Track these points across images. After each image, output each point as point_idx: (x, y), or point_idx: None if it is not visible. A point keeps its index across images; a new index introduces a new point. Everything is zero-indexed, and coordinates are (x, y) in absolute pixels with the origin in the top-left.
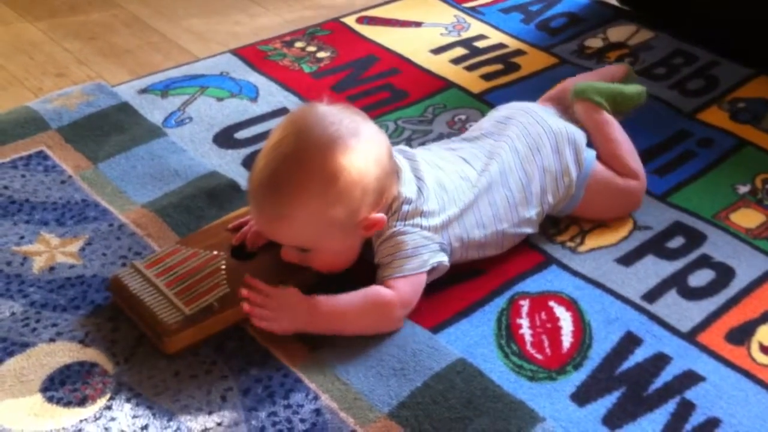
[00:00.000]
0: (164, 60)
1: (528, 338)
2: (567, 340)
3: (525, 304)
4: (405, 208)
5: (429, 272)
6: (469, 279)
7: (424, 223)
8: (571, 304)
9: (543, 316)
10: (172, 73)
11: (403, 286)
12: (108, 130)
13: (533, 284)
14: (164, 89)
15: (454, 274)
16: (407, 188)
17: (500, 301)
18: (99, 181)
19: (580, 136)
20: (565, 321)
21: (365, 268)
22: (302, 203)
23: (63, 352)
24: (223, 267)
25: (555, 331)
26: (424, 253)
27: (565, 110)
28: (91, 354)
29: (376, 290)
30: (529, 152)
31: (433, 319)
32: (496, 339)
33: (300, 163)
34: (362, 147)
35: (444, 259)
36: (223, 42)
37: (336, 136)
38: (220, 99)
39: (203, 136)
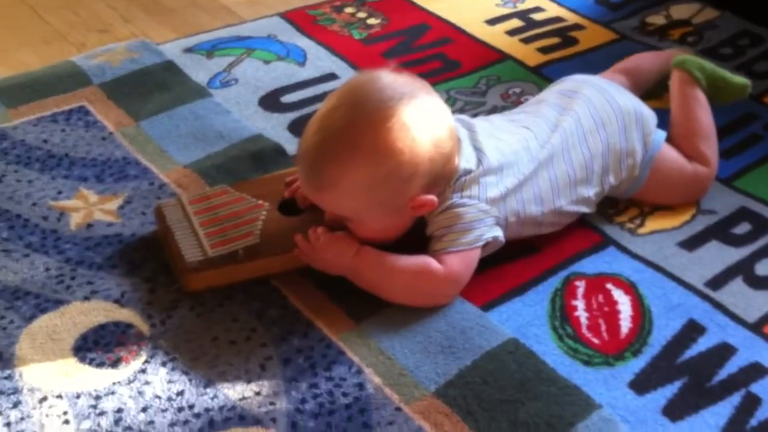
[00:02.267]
0: (210, 21)
1: (584, 321)
2: (625, 324)
3: (581, 286)
4: (462, 179)
5: (482, 247)
6: (522, 257)
7: (481, 194)
8: (630, 288)
9: (600, 298)
10: (218, 33)
11: (455, 262)
12: (151, 87)
13: (590, 265)
14: (210, 49)
15: (506, 251)
16: (466, 160)
17: (555, 281)
18: (140, 139)
19: (649, 116)
20: (624, 305)
21: (417, 241)
22: (346, 179)
23: (97, 311)
24: (263, 218)
25: (613, 315)
26: (479, 227)
27: (636, 84)
28: (126, 314)
29: (426, 261)
30: (594, 128)
31: (483, 297)
32: (550, 320)
33: (349, 137)
34: (420, 126)
35: (499, 233)
36: (271, 6)
37: (392, 112)
38: (267, 62)
39: (249, 99)
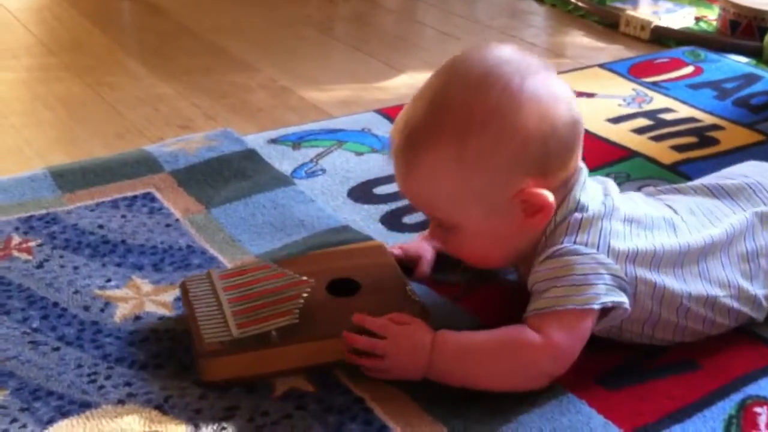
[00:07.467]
0: (300, 119)
1: None
2: None
3: (762, 413)
4: (577, 216)
5: (600, 316)
6: (678, 372)
7: (602, 241)
8: None
9: None
10: (307, 126)
11: (555, 329)
12: (228, 175)
13: None
14: (297, 141)
15: (658, 364)
16: (587, 195)
17: (726, 406)
18: (209, 227)
19: None
20: None
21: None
22: (433, 148)
23: (132, 419)
24: (305, 295)
25: None
26: (597, 283)
27: None
28: (167, 424)
29: (516, 330)
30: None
31: (633, 420)
32: None
33: (442, 100)
34: (530, 94)
35: (623, 300)
36: (366, 105)
37: (497, 74)
38: (359, 153)
39: (337, 190)
